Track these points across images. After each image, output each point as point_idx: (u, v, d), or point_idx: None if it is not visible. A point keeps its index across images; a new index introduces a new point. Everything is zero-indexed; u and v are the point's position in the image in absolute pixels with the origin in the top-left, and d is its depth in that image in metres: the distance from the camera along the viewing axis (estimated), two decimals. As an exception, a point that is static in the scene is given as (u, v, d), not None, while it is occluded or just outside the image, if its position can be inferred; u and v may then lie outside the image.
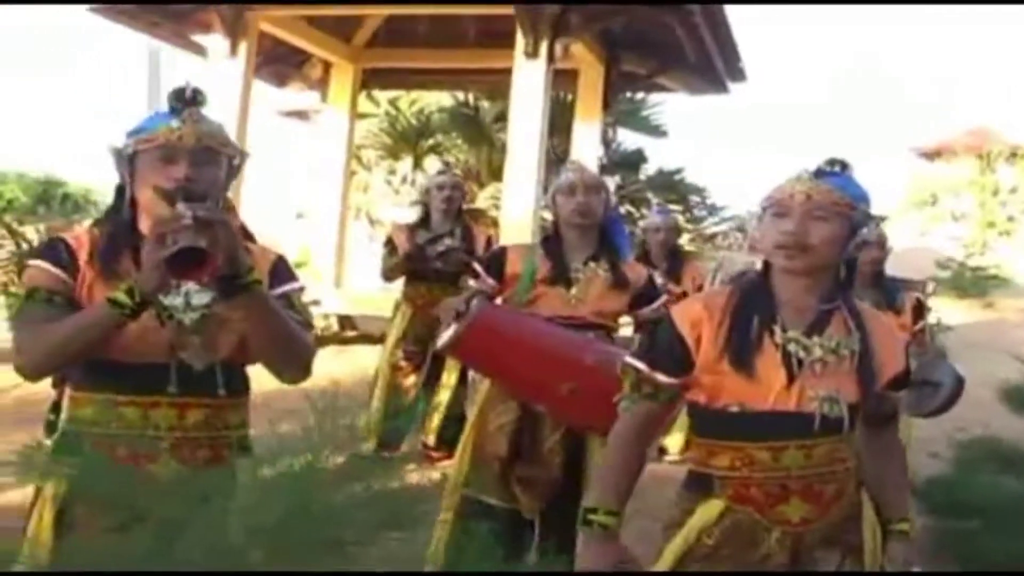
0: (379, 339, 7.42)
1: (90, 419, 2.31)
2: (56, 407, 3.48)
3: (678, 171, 16.64)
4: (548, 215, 4.37)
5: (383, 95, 15.30)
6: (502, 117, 14.62)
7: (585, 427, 3.93)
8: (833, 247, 2.40)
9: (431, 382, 6.44)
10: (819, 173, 2.40)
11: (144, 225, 2.33)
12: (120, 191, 2.37)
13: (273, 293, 2.34)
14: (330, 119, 11.49)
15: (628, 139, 16.39)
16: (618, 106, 12.95)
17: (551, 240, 4.20)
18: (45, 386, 2.49)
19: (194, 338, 2.29)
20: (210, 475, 2.04)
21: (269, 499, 1.59)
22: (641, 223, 8.06)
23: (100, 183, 23.50)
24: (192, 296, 2.29)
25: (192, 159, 2.26)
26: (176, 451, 2.22)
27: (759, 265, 2.52)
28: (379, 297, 8.71)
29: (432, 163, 15.68)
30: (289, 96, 13.17)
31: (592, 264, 4.12)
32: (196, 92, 2.34)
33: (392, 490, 1.85)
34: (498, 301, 4.19)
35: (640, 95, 14.76)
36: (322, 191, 11.44)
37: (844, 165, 2.42)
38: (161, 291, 2.17)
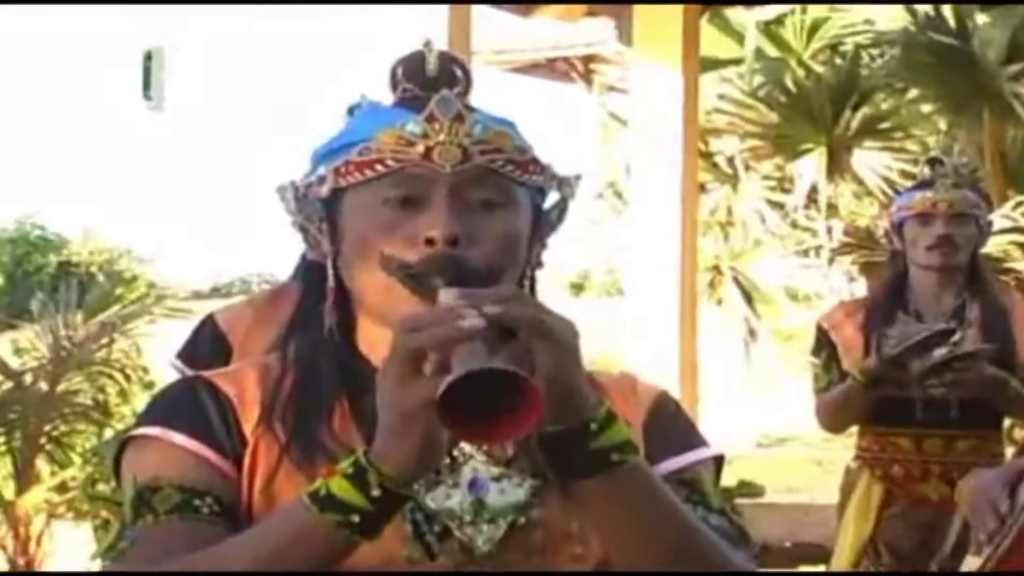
0: (798, 552, 8.03)
1: None
2: None
3: None
4: None
5: (748, 16, 15.92)
6: None
7: None
8: None
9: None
10: None
11: (369, 338, 2.57)
12: (314, 272, 2.63)
13: (660, 471, 2.48)
14: (640, 76, 11.68)
15: None
16: None
17: None
18: None
19: None
20: None
21: None
22: None
23: (129, 241, 24.94)
24: (487, 488, 2.47)
25: (480, 198, 2.50)
26: None
27: None
28: (786, 458, 8.79)
29: (872, 160, 16.21)
30: (543, 32, 13.70)
31: None
32: (448, 60, 2.56)
33: None
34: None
35: None
36: (632, 231, 11.79)
37: None
38: (425, 471, 2.31)
